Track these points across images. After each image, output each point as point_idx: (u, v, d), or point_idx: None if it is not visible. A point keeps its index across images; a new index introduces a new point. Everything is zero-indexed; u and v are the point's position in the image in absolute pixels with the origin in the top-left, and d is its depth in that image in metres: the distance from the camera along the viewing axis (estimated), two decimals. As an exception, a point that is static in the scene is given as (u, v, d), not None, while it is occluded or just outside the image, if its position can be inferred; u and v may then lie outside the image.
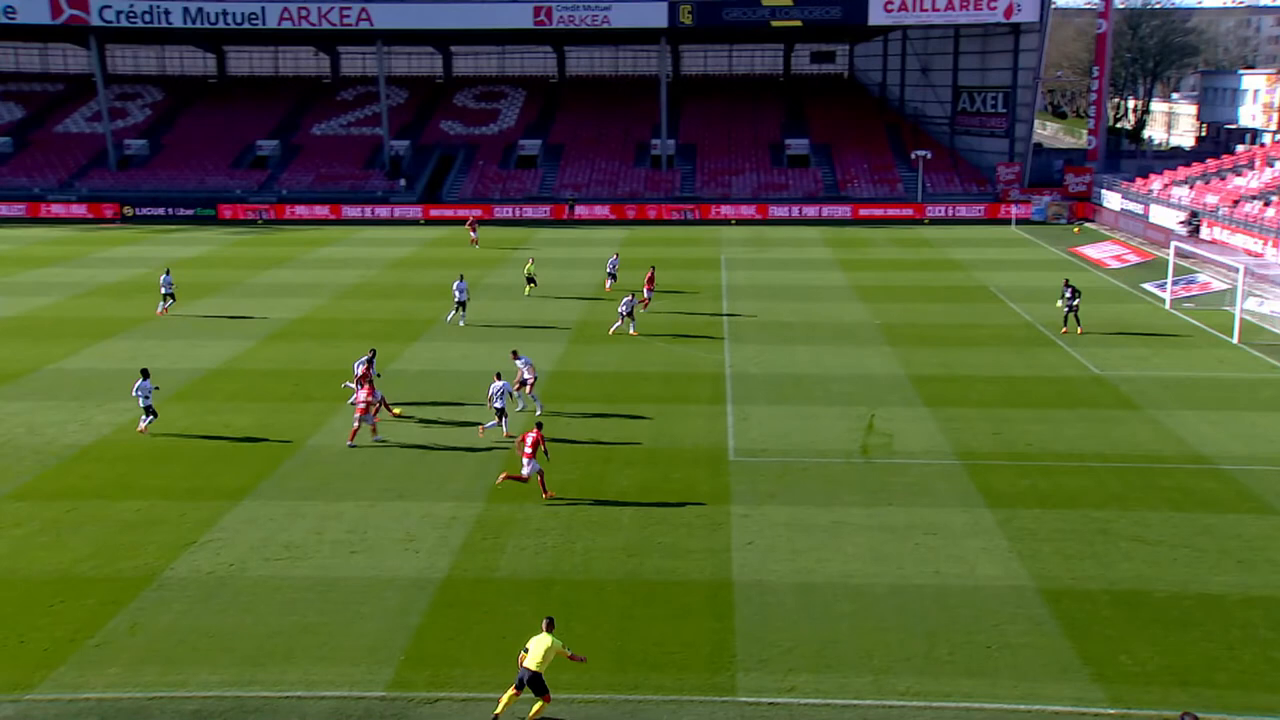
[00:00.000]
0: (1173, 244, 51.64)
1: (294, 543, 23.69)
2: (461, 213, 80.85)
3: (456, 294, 45.45)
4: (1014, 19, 79.11)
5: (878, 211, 79.73)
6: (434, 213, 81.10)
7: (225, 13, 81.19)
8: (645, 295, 47.36)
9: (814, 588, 21.36)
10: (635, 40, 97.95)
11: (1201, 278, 52.25)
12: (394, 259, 62.96)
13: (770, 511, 25.11)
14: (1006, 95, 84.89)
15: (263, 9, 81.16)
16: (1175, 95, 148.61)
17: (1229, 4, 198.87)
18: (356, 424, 30.05)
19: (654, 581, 21.78)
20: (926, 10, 79.30)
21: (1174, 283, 49.19)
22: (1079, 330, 42.39)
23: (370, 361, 33.37)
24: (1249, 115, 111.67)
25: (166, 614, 20.69)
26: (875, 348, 40.73)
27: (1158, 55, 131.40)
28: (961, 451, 29.06)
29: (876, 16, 79.63)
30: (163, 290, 47.77)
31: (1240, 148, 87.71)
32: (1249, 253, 53.92)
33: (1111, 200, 76.36)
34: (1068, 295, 42.75)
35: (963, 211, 79.41)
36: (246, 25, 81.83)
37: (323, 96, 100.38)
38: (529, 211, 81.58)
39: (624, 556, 22.89)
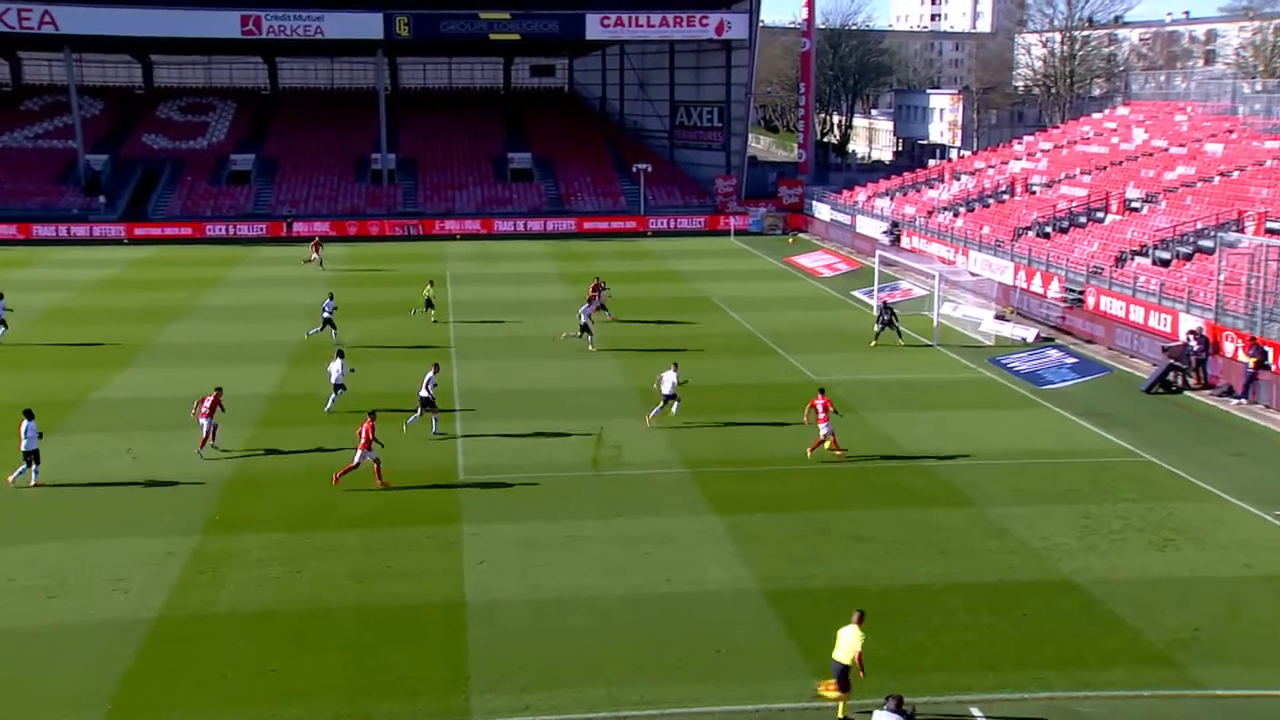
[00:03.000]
0: (878, 253, 54.96)
1: (-15, 593, 21.90)
2: (170, 231, 76.92)
3: (324, 311, 44.11)
4: (725, 36, 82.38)
5: (602, 224, 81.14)
6: (139, 232, 76.74)
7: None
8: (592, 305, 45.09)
9: (547, 603, 21.49)
10: (351, 51, 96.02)
11: (904, 284, 55.77)
12: (94, 281, 59.34)
13: (501, 529, 25.10)
14: (721, 110, 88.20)
15: (-68, 10, 74.70)
16: (875, 112, 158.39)
17: (915, 28, 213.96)
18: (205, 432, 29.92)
19: (384, 607, 21.38)
20: (642, 26, 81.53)
21: (879, 290, 52.29)
22: (899, 343, 43.87)
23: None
24: (938, 131, 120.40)
25: None
26: (603, 361, 41.38)
27: (857, 74, 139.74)
28: (689, 460, 29.90)
29: (593, 31, 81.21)
30: None
31: (932, 162, 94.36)
32: (943, 260, 57.99)
33: (822, 211, 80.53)
34: (884, 316, 44.07)
35: (684, 223, 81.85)
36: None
37: (3, 106, 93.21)
38: (244, 229, 78.45)
39: (352, 583, 22.35)
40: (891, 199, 75.20)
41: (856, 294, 54.65)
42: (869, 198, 77.48)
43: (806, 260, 66.90)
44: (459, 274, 61.47)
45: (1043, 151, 73.88)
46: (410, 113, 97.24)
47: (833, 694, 17.78)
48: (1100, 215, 56.32)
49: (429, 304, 48.68)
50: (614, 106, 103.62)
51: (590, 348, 42.67)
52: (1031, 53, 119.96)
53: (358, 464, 27.46)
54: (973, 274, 53.84)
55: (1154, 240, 49.52)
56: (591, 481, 28.33)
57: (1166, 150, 63.33)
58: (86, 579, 22.51)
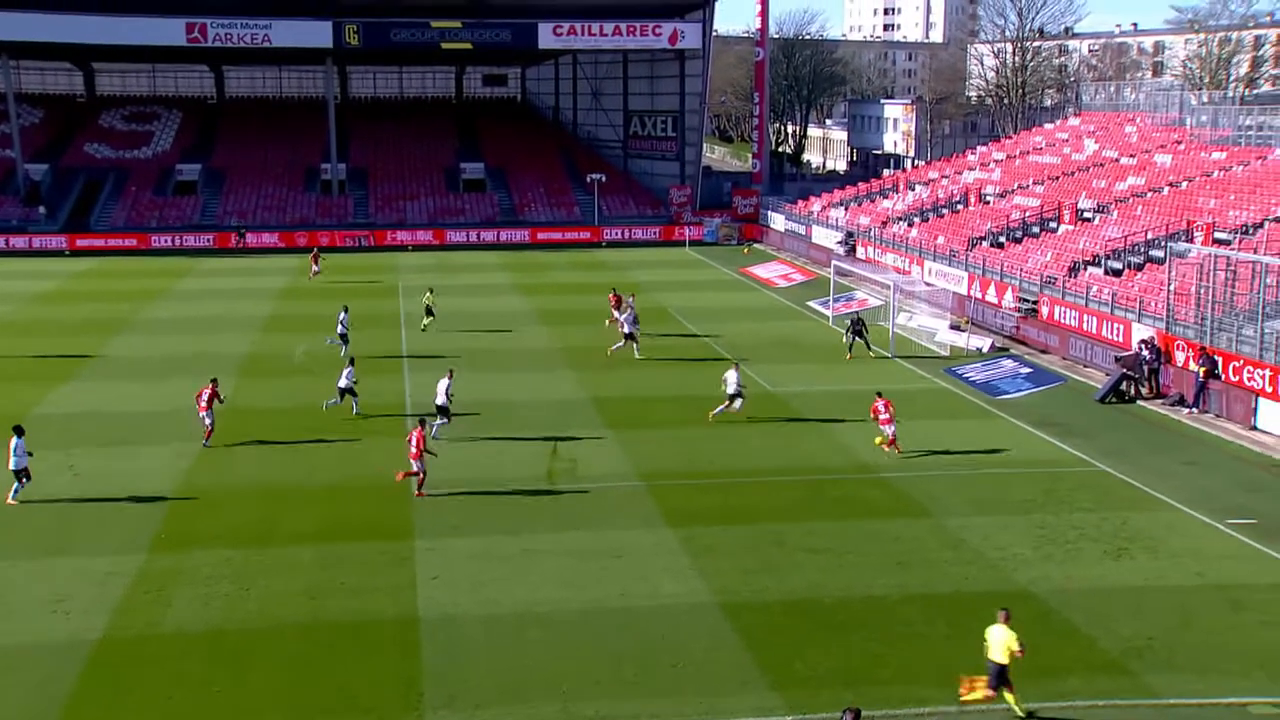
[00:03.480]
0: (833, 263, 55.33)
1: (-78, 615, 21.49)
2: (114, 243, 76.01)
3: (339, 326, 43.95)
4: (679, 45, 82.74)
5: (556, 235, 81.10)
6: (81, 243, 75.74)
7: None
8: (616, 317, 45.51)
9: (501, 618, 21.41)
10: (300, 60, 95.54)
11: (859, 294, 56.18)
12: (35, 293, 58.53)
13: (456, 544, 24.98)
14: (675, 119, 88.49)
15: None
16: (829, 122, 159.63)
17: (868, 38, 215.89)
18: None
19: (337, 623, 21.20)
20: (595, 36, 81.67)
21: (835, 300, 52.63)
22: (870, 354, 43.96)
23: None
24: (892, 141, 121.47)
25: None
26: (558, 372, 41.35)
27: (811, 83, 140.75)
28: (645, 473, 29.91)
29: (546, 41, 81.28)
30: None
31: (886, 172, 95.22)
32: (898, 270, 58.47)
33: (777, 221, 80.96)
34: (855, 327, 44.34)
35: (639, 234, 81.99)
36: None
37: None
38: (190, 240, 77.59)
39: (304, 599, 22.15)
40: (846, 209, 75.74)
41: (812, 304, 54.96)
42: (824, 208, 78.00)
43: (762, 271, 67.20)
44: (411, 285, 61.18)
45: (996, 161, 74.74)
46: (361, 122, 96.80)
47: (979, 694, 17.94)
48: (1053, 225, 57.05)
49: (429, 311, 48.87)
50: (567, 116, 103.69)
51: (636, 355, 43.13)
52: (984, 63, 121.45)
53: (419, 471, 27.89)
54: (928, 284, 54.34)
55: (1106, 250, 50.21)
56: (547, 495, 28.27)
57: (1117, 161, 64.28)
58: (25, 600, 22.14)
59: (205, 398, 31.74)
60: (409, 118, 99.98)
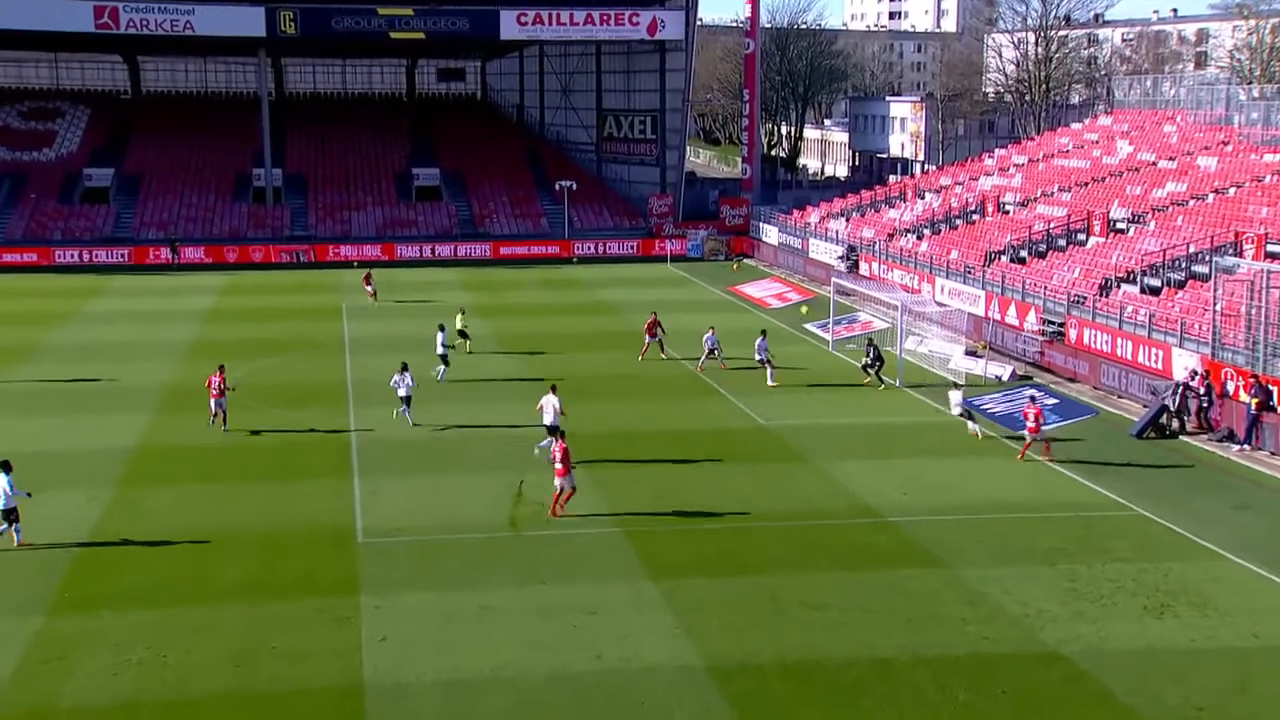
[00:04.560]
0: (833, 281, 55.48)
1: None
2: (9, 258, 75.50)
3: (438, 347, 44.55)
4: (658, 36, 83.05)
5: (521, 249, 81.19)
6: (-30, 258, 75.24)
7: None
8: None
9: (461, 685, 21.22)
10: (228, 51, 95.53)
11: (863, 316, 56.24)
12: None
13: (407, 600, 24.79)
14: (655, 119, 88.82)
15: None
16: (828, 122, 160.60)
17: (872, 27, 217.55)
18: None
19: (267, 694, 20.96)
20: (564, 25, 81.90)
21: (835, 322, 52.74)
22: (879, 385, 44.07)
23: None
24: (898, 144, 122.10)
25: None
26: (520, 403, 41.08)
27: (807, 78, 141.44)
28: (622, 516, 29.80)
29: (509, 30, 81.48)
30: None
31: (892, 178, 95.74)
32: (906, 289, 58.64)
33: (770, 234, 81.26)
34: (870, 352, 44.43)
35: (614, 248, 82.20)
36: None
37: None
38: (101, 255, 77.16)
39: (230, 667, 21.90)
40: (848, 220, 76.07)
41: (810, 327, 55.05)
42: (822, 219, 78.32)
43: (753, 289, 67.35)
44: (356, 306, 61.03)
45: (1016, 166, 75.28)
46: (298, 122, 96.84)
47: None
48: (1081, 237, 57.40)
49: (462, 334, 49.45)
50: (534, 116, 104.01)
51: (770, 383, 44.26)
52: (1002, 55, 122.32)
53: (562, 489, 29.59)
54: (940, 304, 54.52)
55: (1142, 265, 50.49)
56: (510, 543, 28.11)
57: (1154, 164, 64.78)
58: (-90, 667, 21.82)
59: (216, 384, 36.80)
60: (354, 117, 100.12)
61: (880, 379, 44.31)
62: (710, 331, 46.99)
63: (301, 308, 60.78)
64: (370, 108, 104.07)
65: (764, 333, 47.02)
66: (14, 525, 27.45)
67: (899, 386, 44.14)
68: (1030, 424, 34.40)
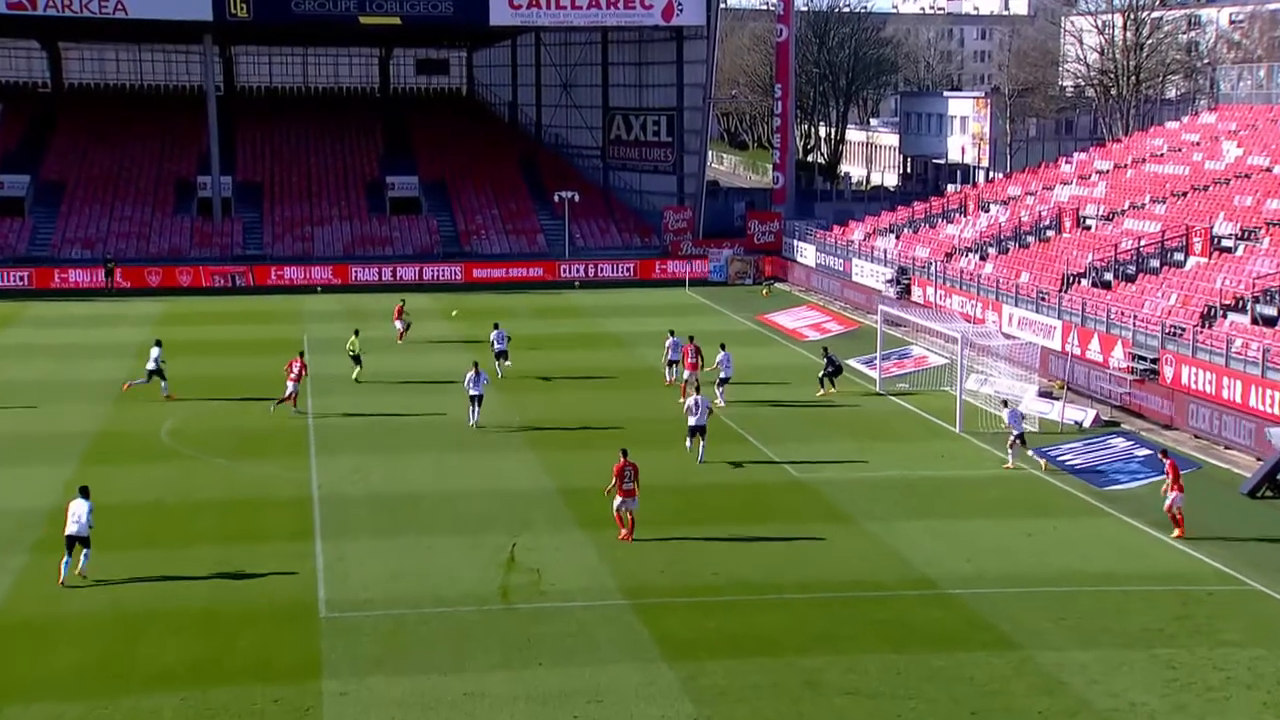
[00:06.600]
0: (880, 309, 55.45)
1: None
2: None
3: (495, 344, 52.75)
4: (675, 21, 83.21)
5: (515, 272, 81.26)
6: None
7: None
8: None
9: (439, 788, 21.22)
10: (168, 38, 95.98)
11: (916, 351, 56.32)
12: None
13: (378, 685, 24.76)
14: (671, 120, 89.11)
15: None
16: (875, 122, 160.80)
17: (927, 10, 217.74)
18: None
19: (212, 798, 20.98)
20: (564, 9, 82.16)
21: (884, 358, 52.73)
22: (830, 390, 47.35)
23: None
24: (959, 147, 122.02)
25: None
26: (512, 453, 41.27)
27: (850, 71, 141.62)
28: (629, 587, 29.76)
29: (500, 15, 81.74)
30: None
31: (951, 188, 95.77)
32: (967, 318, 58.57)
33: (806, 254, 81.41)
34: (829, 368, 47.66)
35: (623, 270, 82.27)
36: None
37: None
38: (14, 279, 77.22)
39: (167, 766, 21.95)
40: (898, 237, 76.16)
41: (853, 363, 55.03)
42: (868, 236, 78.43)
43: (786, 319, 67.40)
44: (319, 339, 61.15)
45: (1099, 173, 75.36)
46: (252, 122, 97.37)
47: None
48: (1179, 258, 57.39)
49: (356, 359, 52.37)
50: (528, 115, 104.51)
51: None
52: (1083, 42, 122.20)
53: (621, 510, 32.60)
54: (1008, 336, 54.48)
55: (1254, 291, 50.40)
56: (500, 617, 28.09)
57: (1269, 170, 64.77)
58: None
59: (295, 369, 45.44)
60: (318, 116, 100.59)
61: (834, 386, 47.48)
62: (722, 352, 48.33)
63: (253, 340, 60.84)
64: (337, 106, 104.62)
65: (723, 346, 49.18)
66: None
67: (959, 432, 44.10)
68: (1172, 481, 33.72)
